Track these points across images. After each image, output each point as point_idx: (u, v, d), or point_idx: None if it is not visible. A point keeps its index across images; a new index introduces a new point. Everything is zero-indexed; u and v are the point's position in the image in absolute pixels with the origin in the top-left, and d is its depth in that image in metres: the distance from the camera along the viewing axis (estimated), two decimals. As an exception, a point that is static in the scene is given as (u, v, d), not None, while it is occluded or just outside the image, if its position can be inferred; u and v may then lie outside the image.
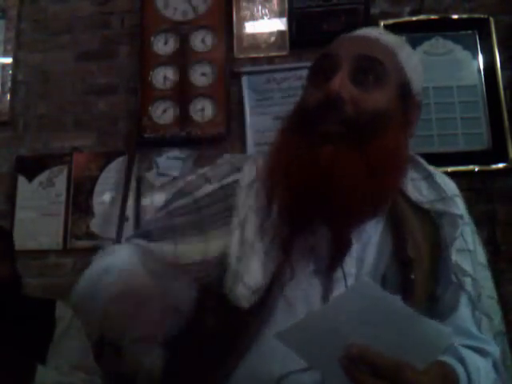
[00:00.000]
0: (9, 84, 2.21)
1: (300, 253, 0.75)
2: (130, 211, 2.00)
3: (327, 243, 0.73)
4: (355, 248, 0.74)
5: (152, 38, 2.10)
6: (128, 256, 0.72)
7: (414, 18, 2.04)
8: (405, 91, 0.78)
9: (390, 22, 2.04)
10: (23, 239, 2.04)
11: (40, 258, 2.03)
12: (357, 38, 0.81)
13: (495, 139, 1.90)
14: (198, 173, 0.85)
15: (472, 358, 0.74)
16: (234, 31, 2.12)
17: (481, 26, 2.00)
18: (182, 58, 2.08)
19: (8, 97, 2.20)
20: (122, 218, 1.96)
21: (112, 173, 2.08)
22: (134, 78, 2.13)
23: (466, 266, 0.78)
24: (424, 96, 2.05)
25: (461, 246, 0.79)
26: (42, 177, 2.11)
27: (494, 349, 0.78)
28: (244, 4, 2.15)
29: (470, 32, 2.01)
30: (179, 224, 0.78)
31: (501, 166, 1.88)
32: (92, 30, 2.22)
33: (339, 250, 0.73)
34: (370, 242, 0.76)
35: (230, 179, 0.80)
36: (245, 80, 2.05)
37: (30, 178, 2.11)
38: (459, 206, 0.82)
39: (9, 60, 2.23)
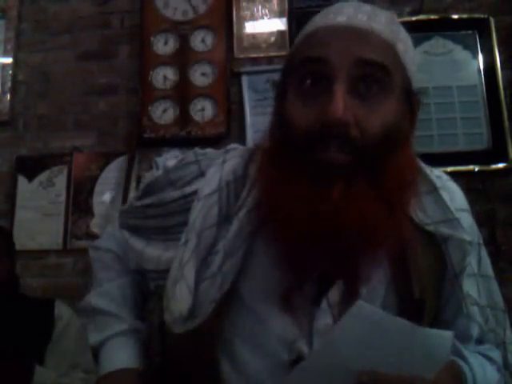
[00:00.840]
0: (9, 84, 2.21)
1: (263, 277, 0.69)
2: (130, 211, 2.00)
3: (312, 283, 0.67)
4: (349, 280, 0.67)
5: (152, 38, 2.10)
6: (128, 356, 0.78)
7: (414, 18, 2.04)
8: (409, 93, 0.67)
9: (390, 22, 2.04)
10: (23, 239, 2.04)
11: (40, 257, 2.03)
12: (347, 32, 0.63)
13: (495, 139, 1.90)
14: (165, 168, 0.79)
15: (477, 359, 0.74)
16: (234, 31, 2.12)
17: (481, 26, 1.99)
18: (182, 58, 2.08)
19: (8, 97, 2.20)
20: (122, 218, 1.96)
21: (112, 173, 2.08)
22: (134, 78, 2.13)
23: (473, 292, 0.74)
24: (424, 96, 2.05)
25: (470, 273, 0.74)
26: (42, 177, 2.11)
27: (499, 356, 0.77)
28: (244, 4, 2.15)
29: (470, 32, 2.00)
30: (150, 226, 0.80)
31: (501, 166, 1.88)
32: (92, 29, 2.22)
33: (350, 296, 0.65)
34: (368, 276, 0.67)
35: (191, 188, 0.75)
36: (245, 80, 2.05)
37: (30, 178, 2.11)
38: (464, 225, 0.73)
39: (9, 60, 2.23)
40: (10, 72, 2.22)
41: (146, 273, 0.81)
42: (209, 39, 2.09)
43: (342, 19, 0.65)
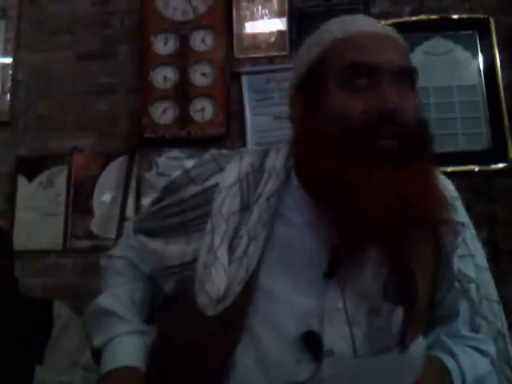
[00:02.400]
0: (9, 84, 2.21)
1: (283, 260, 0.74)
2: (130, 211, 2.00)
3: (327, 254, 0.71)
4: (355, 258, 0.72)
5: (152, 38, 2.10)
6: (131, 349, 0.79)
7: (414, 18, 2.04)
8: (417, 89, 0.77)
9: (390, 22, 2.04)
10: (23, 239, 2.04)
11: (40, 257, 2.03)
12: (386, 41, 0.75)
13: (495, 139, 1.90)
14: (185, 168, 0.84)
15: (465, 353, 0.75)
16: (234, 31, 2.12)
17: (481, 26, 2.00)
18: (182, 58, 2.08)
19: (8, 97, 2.20)
20: (122, 218, 1.96)
21: (112, 173, 2.08)
22: (134, 78, 2.13)
23: (470, 271, 0.78)
24: (424, 96, 2.06)
25: (462, 252, 0.78)
26: (42, 177, 2.11)
27: (492, 349, 0.78)
28: (244, 4, 2.15)
29: (470, 32, 2.01)
30: (170, 225, 0.81)
31: (501, 166, 1.88)
32: (92, 29, 2.22)
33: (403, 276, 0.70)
34: (372, 256, 0.73)
35: (212, 181, 0.79)
36: (245, 80, 2.05)
37: (30, 178, 2.11)
38: (459, 211, 0.81)
39: (9, 60, 2.23)
40: (10, 72, 2.22)
41: (166, 273, 0.81)
42: (209, 39, 2.09)
43: (368, 27, 0.77)
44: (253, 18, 2.13)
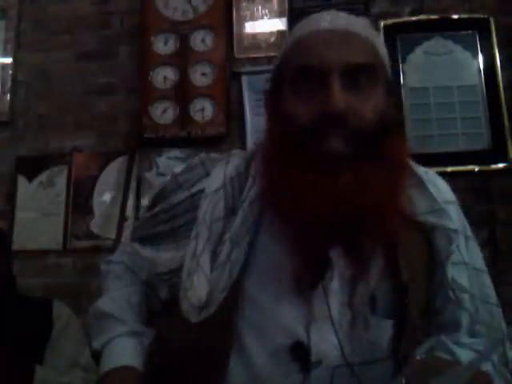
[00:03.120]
0: (9, 84, 2.21)
1: (268, 267, 0.73)
2: (129, 211, 2.00)
3: (311, 263, 0.70)
4: (341, 268, 0.71)
5: (152, 38, 2.10)
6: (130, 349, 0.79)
7: (414, 18, 2.04)
8: (389, 83, 0.75)
9: (390, 22, 2.04)
10: (23, 239, 2.04)
11: (40, 257, 2.03)
12: (336, 39, 0.71)
13: (495, 139, 1.90)
14: (173, 174, 0.84)
15: (467, 354, 0.73)
16: (234, 31, 2.12)
17: (481, 26, 1.99)
18: (182, 58, 2.08)
19: (8, 97, 2.20)
20: (122, 218, 1.96)
21: (112, 173, 2.08)
22: (134, 78, 2.13)
23: (463, 280, 0.75)
24: (424, 96, 2.06)
25: (456, 260, 0.75)
26: (42, 177, 2.11)
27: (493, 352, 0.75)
28: (244, 4, 2.15)
29: (469, 32, 2.00)
30: (160, 231, 0.82)
31: (501, 166, 1.88)
32: (92, 30, 2.22)
33: (351, 262, 0.70)
34: (360, 264, 0.72)
35: (198, 187, 0.80)
36: (245, 80, 2.05)
37: (30, 178, 2.11)
38: (452, 217, 0.78)
39: (9, 60, 2.23)
40: (10, 72, 2.22)
41: (157, 280, 0.82)
42: (209, 39, 2.09)
43: (324, 24, 0.73)
44: (253, 18, 2.13)
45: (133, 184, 2.03)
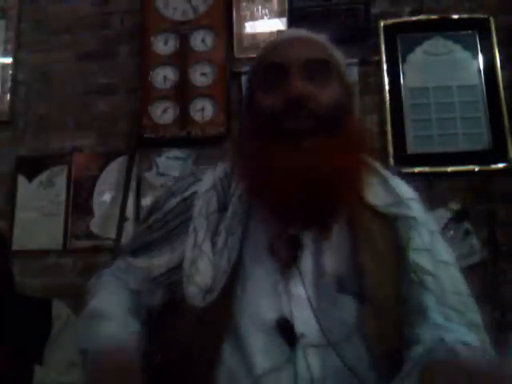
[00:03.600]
0: (9, 84, 2.21)
1: (258, 251, 0.81)
2: (129, 211, 2.00)
3: (285, 242, 0.79)
4: (313, 249, 0.80)
5: (152, 38, 2.10)
6: (117, 328, 0.78)
7: (414, 18, 2.04)
8: (344, 80, 0.87)
9: (390, 21, 2.04)
10: (23, 239, 2.04)
11: (40, 257, 2.03)
12: (299, 41, 0.86)
13: (495, 139, 1.90)
14: (166, 186, 0.93)
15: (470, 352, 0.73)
16: (234, 31, 2.12)
17: (481, 26, 2.00)
18: (182, 58, 2.08)
19: (8, 97, 2.20)
20: (122, 218, 1.97)
21: (112, 173, 2.08)
22: (134, 78, 2.13)
23: (426, 264, 0.80)
24: (424, 96, 2.07)
25: (418, 246, 0.81)
26: (42, 177, 2.11)
27: (473, 339, 0.78)
28: (244, 4, 2.15)
29: (469, 32, 2.01)
30: (154, 239, 0.87)
31: (501, 166, 1.88)
32: (92, 30, 2.22)
33: (319, 237, 0.79)
34: (328, 249, 0.80)
35: (190, 191, 0.88)
36: (245, 80, 2.05)
37: (30, 178, 2.11)
38: (413, 209, 0.85)
39: (9, 60, 2.24)
40: (10, 72, 2.22)
41: (153, 285, 0.85)
42: (209, 39, 2.09)
43: (287, 34, 0.92)
44: (253, 18, 2.13)
45: (133, 184, 2.03)
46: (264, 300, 0.78)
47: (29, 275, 1.97)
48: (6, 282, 1.54)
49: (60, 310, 1.54)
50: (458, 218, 1.79)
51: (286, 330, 0.75)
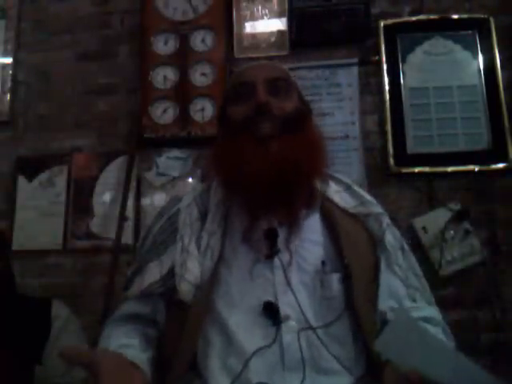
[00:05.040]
0: (9, 84, 2.21)
1: (238, 246, 0.92)
2: (130, 211, 2.00)
3: (263, 234, 0.90)
4: (289, 238, 0.91)
5: (152, 38, 2.10)
6: None
7: (414, 18, 2.04)
8: (301, 98, 1.02)
9: (390, 21, 2.04)
10: (23, 239, 2.04)
11: (40, 257, 2.03)
12: (261, 65, 1.03)
13: (495, 139, 1.90)
14: (158, 212, 1.06)
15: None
16: (234, 31, 2.12)
17: (481, 26, 2.00)
18: (182, 58, 2.08)
19: (8, 97, 2.20)
20: (122, 218, 1.97)
21: (112, 173, 2.08)
22: (134, 78, 2.13)
23: (394, 255, 0.95)
24: (424, 96, 2.07)
25: (389, 239, 0.96)
26: (42, 177, 2.11)
27: (440, 316, 0.94)
28: (244, 4, 2.15)
29: (469, 32, 2.01)
30: (146, 260, 0.98)
31: (501, 166, 1.88)
32: (92, 30, 2.22)
33: (292, 227, 0.90)
34: (308, 239, 0.93)
35: (174, 209, 1.01)
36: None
37: (30, 178, 2.11)
38: (378, 207, 1.01)
39: (9, 60, 2.23)
40: (10, 72, 2.22)
41: (154, 301, 0.95)
42: (209, 39, 2.09)
43: (253, 63, 1.06)
44: (253, 18, 2.13)
45: (133, 184, 2.03)
46: (248, 288, 0.88)
47: (29, 275, 1.97)
48: (6, 282, 1.54)
49: (59, 309, 1.54)
50: (458, 217, 1.79)
51: (271, 311, 0.84)
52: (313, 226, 0.94)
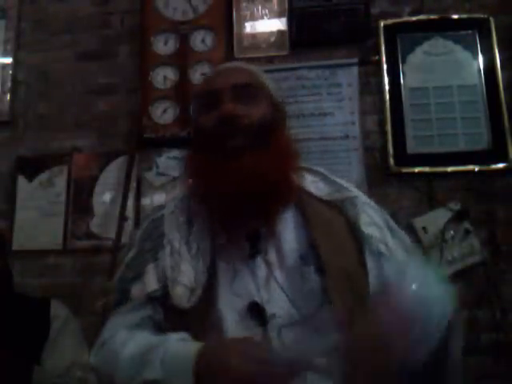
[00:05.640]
0: (9, 84, 2.21)
1: (226, 250, 0.91)
2: (130, 211, 2.00)
3: (246, 237, 0.90)
4: (273, 241, 0.91)
5: (152, 38, 2.10)
6: None
7: (414, 18, 2.04)
8: (273, 101, 0.98)
9: (390, 22, 2.04)
10: (23, 239, 2.04)
11: (40, 257, 2.03)
12: (228, 70, 1.01)
13: (495, 139, 1.90)
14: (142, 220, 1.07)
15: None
16: (234, 31, 2.12)
17: (481, 26, 2.00)
18: (182, 58, 2.08)
19: (8, 97, 2.20)
20: (122, 218, 1.97)
21: (112, 173, 2.08)
22: (134, 78, 2.13)
23: (378, 234, 0.94)
24: (424, 96, 2.07)
25: (366, 221, 0.95)
26: (42, 177, 2.11)
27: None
28: (244, 4, 2.15)
29: (469, 32, 2.01)
30: (140, 265, 0.95)
31: (501, 166, 1.88)
32: (92, 30, 2.22)
33: (270, 226, 0.91)
34: (285, 235, 0.92)
35: (157, 215, 1.00)
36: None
37: (30, 178, 2.11)
38: (353, 191, 1.00)
39: (9, 60, 2.24)
40: (10, 72, 2.22)
41: (154, 303, 0.92)
42: (209, 39, 2.09)
43: (220, 67, 1.05)
44: (253, 18, 2.13)
45: (133, 184, 2.03)
46: (234, 290, 0.88)
47: (29, 275, 1.97)
48: (5, 281, 1.54)
49: (58, 309, 1.54)
50: (457, 217, 1.79)
51: (257, 312, 0.84)
52: (289, 221, 0.94)
